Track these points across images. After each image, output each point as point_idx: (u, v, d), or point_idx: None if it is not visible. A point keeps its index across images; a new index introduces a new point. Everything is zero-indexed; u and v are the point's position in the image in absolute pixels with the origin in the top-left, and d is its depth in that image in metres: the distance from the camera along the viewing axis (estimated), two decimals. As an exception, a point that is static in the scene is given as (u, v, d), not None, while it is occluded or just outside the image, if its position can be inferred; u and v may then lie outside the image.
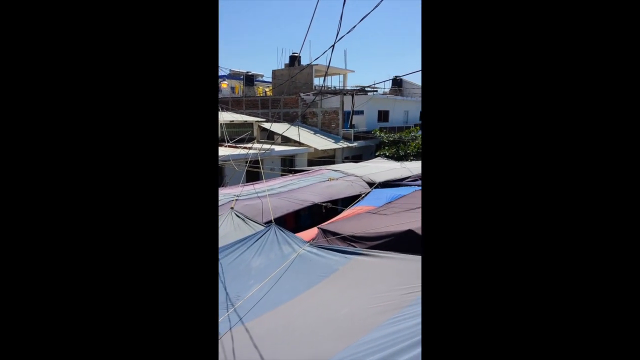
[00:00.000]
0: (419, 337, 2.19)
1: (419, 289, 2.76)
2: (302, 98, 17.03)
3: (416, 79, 26.93)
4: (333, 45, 4.54)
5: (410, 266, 3.23)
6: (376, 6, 4.49)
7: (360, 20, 4.62)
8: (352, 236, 4.43)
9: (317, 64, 16.77)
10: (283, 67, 20.75)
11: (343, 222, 5.29)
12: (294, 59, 20.26)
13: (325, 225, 5.13)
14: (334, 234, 4.61)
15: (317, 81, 20.25)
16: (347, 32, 4.62)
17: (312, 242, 4.08)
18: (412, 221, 4.68)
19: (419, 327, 2.29)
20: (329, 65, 4.46)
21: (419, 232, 4.13)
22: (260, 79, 27.08)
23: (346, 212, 6.06)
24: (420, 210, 5.45)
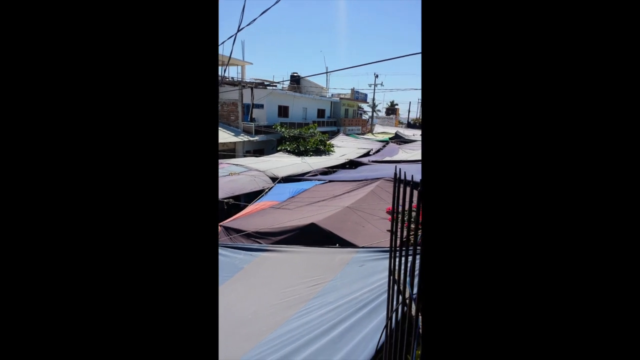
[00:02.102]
0: (325, 327, 2.32)
1: (324, 280, 2.91)
2: (198, 87, 15.91)
3: (314, 78, 27.84)
4: (235, 35, 4.37)
5: (314, 258, 3.38)
6: (277, 1, 4.48)
7: (261, 14, 4.55)
8: (257, 232, 4.39)
9: (214, 52, 15.80)
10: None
11: (247, 219, 5.19)
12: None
13: (228, 222, 4.95)
14: (238, 231, 4.49)
15: (214, 70, 19.15)
16: (248, 24, 4.50)
17: (215, 242, 3.89)
18: (314, 214, 4.89)
19: (325, 317, 2.43)
20: (230, 56, 4.27)
21: (321, 224, 4.33)
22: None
23: (250, 208, 5.96)
24: (320, 202, 5.73)
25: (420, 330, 1.23)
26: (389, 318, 1.65)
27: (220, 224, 4.86)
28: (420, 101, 45.86)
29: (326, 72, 8.55)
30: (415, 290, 1.36)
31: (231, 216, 5.56)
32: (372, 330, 2.18)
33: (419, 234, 1.38)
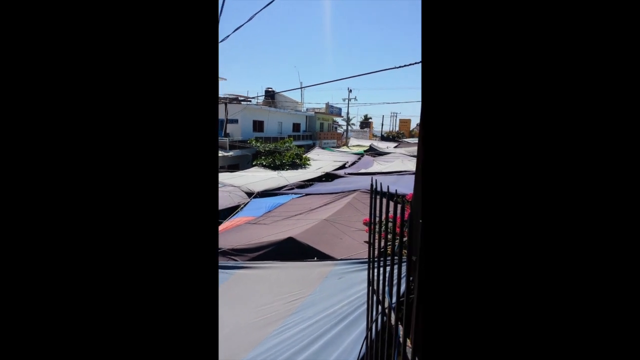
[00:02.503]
0: (304, 342, 2.28)
1: (302, 295, 2.87)
2: (170, 103, 15.63)
3: (289, 93, 28.03)
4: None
5: (292, 273, 3.33)
6: (250, 18, 4.52)
7: (234, 31, 4.58)
8: (233, 249, 4.28)
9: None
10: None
11: (222, 235, 5.06)
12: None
13: (202, 240, 4.81)
14: (213, 248, 4.36)
15: (187, 86, 18.91)
16: (222, 40, 4.51)
17: (189, 260, 3.76)
18: (292, 229, 4.84)
19: (304, 332, 2.38)
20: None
21: (299, 238, 4.29)
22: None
23: (225, 225, 5.83)
24: (297, 216, 5.69)
25: (401, 340, 1.24)
26: (369, 329, 1.64)
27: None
28: (392, 115, 47.16)
29: (301, 87, 8.67)
30: (394, 300, 1.37)
31: (206, 233, 5.41)
32: (352, 342, 2.16)
33: (397, 243, 1.39)
